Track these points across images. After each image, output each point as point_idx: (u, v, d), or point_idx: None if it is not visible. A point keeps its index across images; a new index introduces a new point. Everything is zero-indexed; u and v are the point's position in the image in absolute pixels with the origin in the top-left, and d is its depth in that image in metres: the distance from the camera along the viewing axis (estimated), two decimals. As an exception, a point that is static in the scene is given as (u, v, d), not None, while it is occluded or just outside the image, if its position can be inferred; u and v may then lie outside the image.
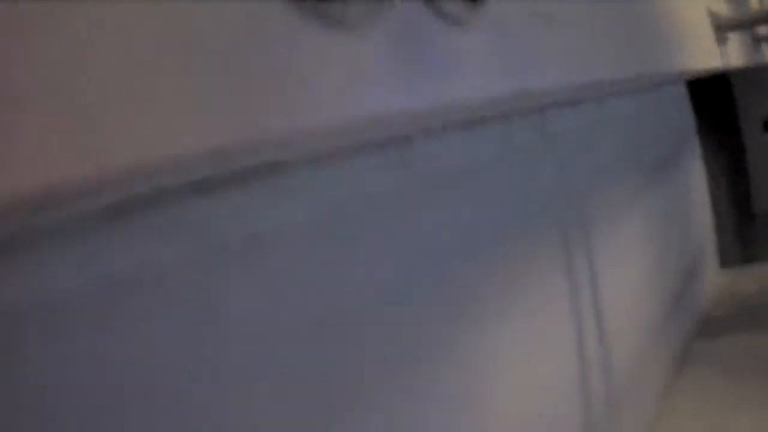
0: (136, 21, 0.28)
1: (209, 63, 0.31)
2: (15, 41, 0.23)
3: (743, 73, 2.21)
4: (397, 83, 0.41)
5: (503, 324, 0.79)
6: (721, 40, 1.42)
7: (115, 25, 0.27)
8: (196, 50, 0.30)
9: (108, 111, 0.26)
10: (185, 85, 0.29)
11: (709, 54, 1.28)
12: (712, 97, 2.40)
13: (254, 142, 0.34)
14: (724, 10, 1.58)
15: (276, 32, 0.36)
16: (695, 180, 2.09)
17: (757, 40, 2.14)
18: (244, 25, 0.34)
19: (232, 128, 0.32)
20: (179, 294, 0.43)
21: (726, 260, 2.46)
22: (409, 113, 0.42)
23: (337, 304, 0.55)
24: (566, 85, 0.56)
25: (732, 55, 1.51)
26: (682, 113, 2.10)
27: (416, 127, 0.57)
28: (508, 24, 0.51)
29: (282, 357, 0.50)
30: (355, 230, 0.58)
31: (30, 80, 0.23)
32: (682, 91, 2.09)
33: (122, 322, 0.40)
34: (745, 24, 1.57)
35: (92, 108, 0.25)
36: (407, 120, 0.44)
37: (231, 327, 0.46)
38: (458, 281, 0.71)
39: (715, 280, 2.07)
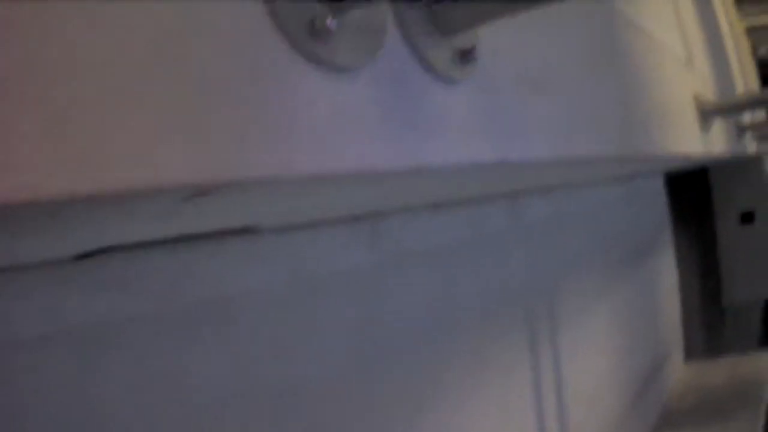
0: (122, 48, 0.30)
1: (197, 95, 0.33)
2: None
3: (722, 164, 2.28)
4: (379, 132, 0.44)
5: (464, 412, 0.80)
6: (705, 126, 1.47)
7: (101, 49, 0.29)
8: (183, 80, 0.32)
9: (93, 132, 0.28)
10: (169, 116, 0.31)
11: (693, 139, 1.34)
12: (689, 188, 2.48)
13: (234, 179, 0.36)
14: (710, 94, 1.65)
15: (266, 69, 0.38)
16: (666, 271, 2.15)
17: (741, 129, 2.23)
18: (233, 58, 0.36)
19: (212, 163, 0.33)
20: (144, 350, 0.44)
21: (692, 353, 2.51)
22: (387, 166, 0.44)
23: (297, 375, 0.57)
24: (548, 157, 0.59)
25: (715, 142, 1.57)
26: (656, 205, 2.17)
27: (391, 191, 0.59)
28: (495, 86, 0.54)
29: (244, 424, 0.51)
30: (321, 301, 0.60)
31: (17, 96, 0.25)
32: (659, 183, 2.16)
33: (83, 376, 0.41)
34: (731, 110, 1.64)
35: (76, 126, 0.27)
36: (385, 175, 0.46)
37: (195, 389, 0.47)
38: (420, 363, 0.73)
39: (680, 373, 2.12)
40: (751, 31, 4.72)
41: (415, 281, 0.74)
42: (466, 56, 0.51)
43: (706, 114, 1.46)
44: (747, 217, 2.68)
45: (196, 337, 0.49)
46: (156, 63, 0.31)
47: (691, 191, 2.52)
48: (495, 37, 0.55)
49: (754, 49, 5.02)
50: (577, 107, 0.68)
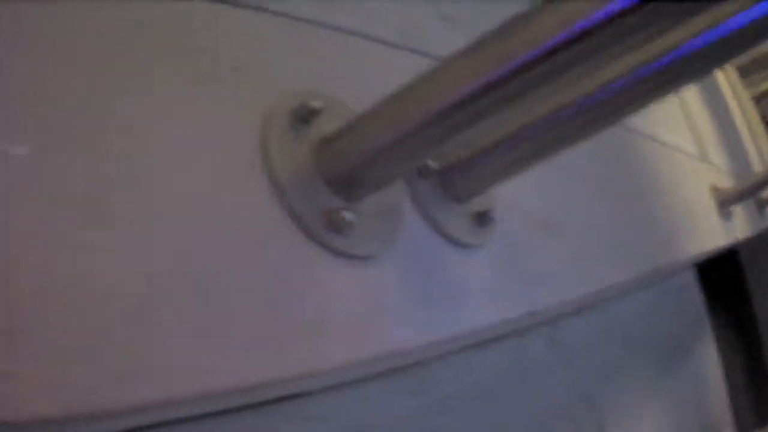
0: (145, 252, 0.32)
1: (223, 300, 0.34)
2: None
3: (750, 242, 2.27)
4: (409, 314, 0.44)
5: None
6: (726, 214, 1.48)
7: (126, 253, 0.31)
8: (207, 286, 0.34)
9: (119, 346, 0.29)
10: (198, 322, 0.33)
11: (715, 233, 1.34)
12: (721, 271, 2.46)
13: (269, 381, 0.37)
14: (727, 180, 1.66)
15: (289, 267, 0.40)
16: (708, 359, 2.12)
17: (762, 204, 2.23)
18: (254, 261, 0.37)
19: (244, 369, 0.35)
20: None
21: (743, 428, 2.46)
22: (420, 345, 0.45)
23: None
24: (574, 298, 0.59)
25: (738, 228, 1.57)
26: (690, 297, 2.15)
27: (430, 354, 0.60)
28: (514, 241, 0.55)
29: None
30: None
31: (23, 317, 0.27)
32: (689, 276, 2.15)
33: None
34: (749, 192, 1.64)
35: (103, 342, 0.29)
36: (419, 351, 0.47)
37: None
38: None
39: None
40: (759, 98, 4.76)
41: (464, 422, 0.74)
42: (483, 219, 0.52)
43: (726, 202, 1.47)
44: (783, 289, 2.66)
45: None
46: (187, 280, 0.33)
47: (725, 274, 2.51)
48: (507, 192, 0.56)
49: (764, 117, 5.06)
50: (597, 239, 0.69)
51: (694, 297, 2.17)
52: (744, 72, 4.20)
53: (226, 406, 0.45)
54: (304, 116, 0.46)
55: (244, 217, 0.39)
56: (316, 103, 0.46)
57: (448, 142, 0.42)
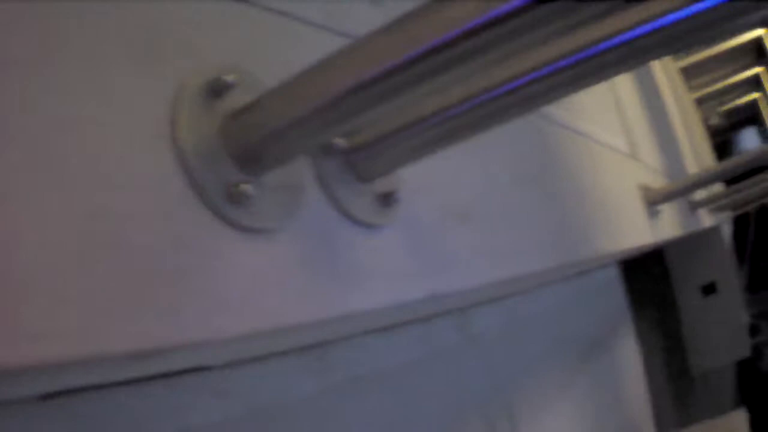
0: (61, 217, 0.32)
1: (129, 274, 0.35)
2: None
3: (677, 241, 2.31)
4: (302, 287, 0.45)
5: None
6: (653, 213, 1.50)
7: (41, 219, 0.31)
8: (114, 262, 0.34)
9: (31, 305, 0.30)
10: (105, 293, 0.33)
11: (640, 230, 1.36)
12: (646, 269, 2.50)
13: (164, 346, 0.37)
14: (658, 180, 1.69)
15: (189, 239, 0.40)
16: (629, 354, 2.16)
17: (695, 206, 2.27)
18: (153, 231, 0.38)
19: (135, 335, 0.35)
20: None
21: (665, 427, 2.52)
22: (317, 322, 0.46)
23: None
24: (483, 284, 0.60)
25: (665, 227, 1.60)
26: (612, 293, 2.20)
27: (329, 332, 0.60)
28: (420, 224, 0.55)
29: None
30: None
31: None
32: (613, 272, 2.19)
33: None
34: (680, 192, 1.67)
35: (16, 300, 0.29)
36: (316, 328, 0.47)
37: None
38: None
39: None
40: (702, 101, 4.85)
41: (369, 406, 0.75)
42: (387, 200, 0.52)
43: (655, 201, 1.50)
44: (709, 289, 2.71)
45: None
46: (88, 248, 0.33)
47: (649, 272, 2.55)
48: (417, 175, 0.57)
49: (706, 120, 5.15)
50: (513, 229, 0.70)
51: (617, 294, 2.21)
52: (689, 74, 4.27)
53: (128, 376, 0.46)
54: (217, 90, 0.46)
55: (146, 187, 0.39)
56: (229, 78, 0.46)
57: (353, 122, 0.42)
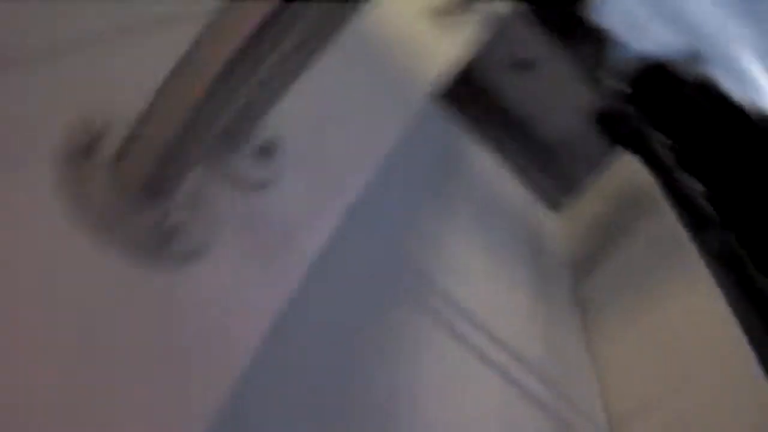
0: None
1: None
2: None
3: (477, 59, 2.35)
4: (251, 291, 0.50)
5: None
6: (450, 30, 1.54)
7: None
8: None
9: None
10: None
11: (444, 53, 1.40)
12: (465, 92, 2.59)
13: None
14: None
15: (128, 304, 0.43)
16: (481, 166, 2.28)
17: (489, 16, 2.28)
18: (89, 311, 0.41)
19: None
20: None
21: (554, 204, 2.71)
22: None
23: None
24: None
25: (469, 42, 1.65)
26: (441, 126, 2.27)
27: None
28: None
29: None
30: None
31: None
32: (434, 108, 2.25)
33: None
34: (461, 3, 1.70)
35: None
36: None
37: None
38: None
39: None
40: None
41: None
42: (268, 152, 0.58)
43: (443, 16, 1.53)
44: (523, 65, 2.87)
45: None
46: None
47: (471, 94, 2.66)
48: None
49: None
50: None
51: (446, 126, 2.30)
52: None
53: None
54: (85, 148, 0.47)
55: (64, 271, 0.41)
56: (93, 129, 0.47)
57: (226, 113, 0.46)
